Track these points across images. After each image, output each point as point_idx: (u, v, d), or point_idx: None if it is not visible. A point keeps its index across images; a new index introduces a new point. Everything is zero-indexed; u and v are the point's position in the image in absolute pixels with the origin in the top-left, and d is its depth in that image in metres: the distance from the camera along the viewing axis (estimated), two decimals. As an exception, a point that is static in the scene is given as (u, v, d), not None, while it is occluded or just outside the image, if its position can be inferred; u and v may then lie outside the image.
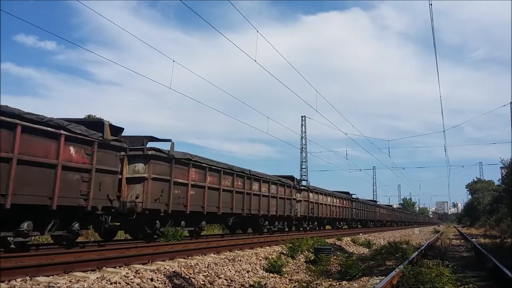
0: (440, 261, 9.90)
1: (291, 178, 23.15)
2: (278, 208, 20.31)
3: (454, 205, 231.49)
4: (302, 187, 24.96)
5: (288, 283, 8.90)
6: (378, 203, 50.66)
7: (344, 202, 33.46)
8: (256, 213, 18.22)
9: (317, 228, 28.63)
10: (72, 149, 9.37)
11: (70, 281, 6.02)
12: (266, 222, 19.46)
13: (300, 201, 23.90)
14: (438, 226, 73.01)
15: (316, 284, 8.30)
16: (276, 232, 20.61)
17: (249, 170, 17.72)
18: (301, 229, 25.00)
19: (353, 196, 36.81)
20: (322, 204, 27.54)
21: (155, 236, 13.06)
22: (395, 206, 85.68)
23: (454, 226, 74.83)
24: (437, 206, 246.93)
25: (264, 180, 19.30)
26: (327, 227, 31.77)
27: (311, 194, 25.58)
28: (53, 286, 5.69)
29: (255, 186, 18.34)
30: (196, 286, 7.35)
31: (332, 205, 29.96)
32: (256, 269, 9.63)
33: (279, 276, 9.52)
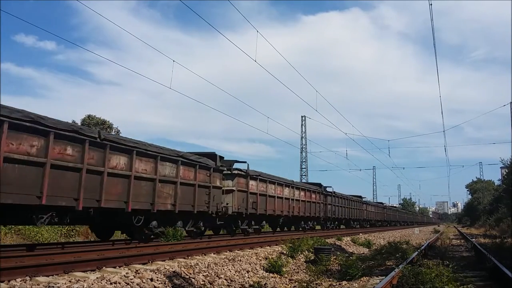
0: (440, 261, 9.90)
1: (212, 156, 15.39)
2: (178, 200, 12.80)
3: (454, 205, 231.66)
4: (236, 171, 17.09)
5: (288, 283, 8.90)
6: (365, 199, 42.37)
7: (313, 196, 26.11)
8: (118, 207, 10.85)
9: (277, 230, 22.93)
10: None
11: (70, 281, 6.02)
12: (154, 222, 12.35)
13: (232, 191, 16.58)
14: (438, 226, 73.05)
15: (316, 284, 8.30)
16: (186, 238, 13.80)
17: (99, 130, 11.01)
18: (238, 231, 18.18)
19: (328, 189, 29.56)
20: (274, 197, 20.24)
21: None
22: (395, 206, 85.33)
23: (454, 226, 74.84)
24: (437, 206, 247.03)
25: (141, 152, 11.56)
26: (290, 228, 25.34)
27: (252, 182, 18.02)
28: (53, 286, 5.69)
29: (117, 161, 10.82)
30: (196, 286, 7.35)
31: (293, 199, 22.70)
32: (256, 269, 9.64)
33: (279, 276, 9.52)
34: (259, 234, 19.44)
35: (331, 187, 30.79)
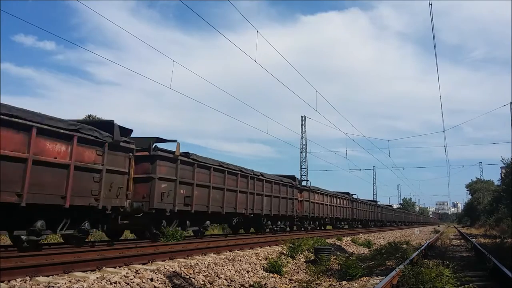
0: (440, 261, 9.90)
1: None
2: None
3: (454, 205, 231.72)
4: None
5: (288, 283, 8.90)
6: (318, 188, 27.32)
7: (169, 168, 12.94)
8: None
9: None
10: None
11: (70, 281, 6.02)
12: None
13: None
14: (438, 226, 73.03)
15: (316, 284, 8.30)
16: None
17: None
18: None
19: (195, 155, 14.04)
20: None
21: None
22: (395, 206, 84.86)
23: (454, 226, 74.85)
24: (437, 206, 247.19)
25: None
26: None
27: None
28: (53, 286, 5.69)
29: None
30: (196, 286, 7.35)
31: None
32: (256, 269, 9.63)
33: (279, 276, 9.51)
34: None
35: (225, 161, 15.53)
